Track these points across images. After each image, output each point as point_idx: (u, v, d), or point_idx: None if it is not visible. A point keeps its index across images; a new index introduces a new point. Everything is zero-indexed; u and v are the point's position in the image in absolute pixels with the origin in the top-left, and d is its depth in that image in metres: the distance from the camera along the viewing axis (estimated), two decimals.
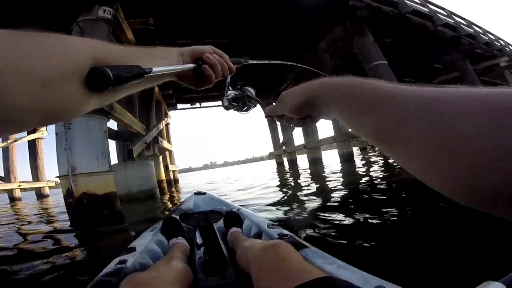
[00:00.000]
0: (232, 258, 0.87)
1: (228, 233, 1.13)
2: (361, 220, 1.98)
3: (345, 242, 1.56)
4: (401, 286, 0.51)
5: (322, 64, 8.26)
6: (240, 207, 1.47)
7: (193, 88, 0.48)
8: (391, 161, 5.98)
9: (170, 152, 11.74)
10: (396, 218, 1.94)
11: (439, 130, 0.16)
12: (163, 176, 8.17)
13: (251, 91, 0.58)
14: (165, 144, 9.63)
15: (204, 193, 1.86)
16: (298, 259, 0.56)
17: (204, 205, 1.71)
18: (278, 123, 12.67)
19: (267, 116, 0.50)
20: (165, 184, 8.12)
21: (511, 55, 11.92)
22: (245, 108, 0.58)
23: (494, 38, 11.82)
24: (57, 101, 0.22)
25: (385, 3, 6.61)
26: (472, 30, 9.93)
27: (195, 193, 1.87)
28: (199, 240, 1.05)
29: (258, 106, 0.58)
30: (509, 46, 13.32)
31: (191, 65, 0.41)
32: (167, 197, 6.01)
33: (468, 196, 0.16)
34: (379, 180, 4.05)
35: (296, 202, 3.13)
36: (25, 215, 5.46)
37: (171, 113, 12.95)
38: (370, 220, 1.94)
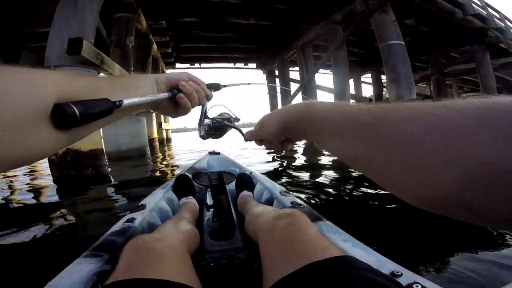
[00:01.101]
0: (241, 223, 0.83)
1: (238, 196, 1.07)
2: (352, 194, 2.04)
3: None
4: (416, 274, 0.47)
5: (333, 36, 7.77)
6: (253, 170, 1.38)
7: (170, 117, 0.47)
8: None
9: None
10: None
11: (404, 149, 0.19)
12: (155, 134, 7.91)
13: (228, 117, 0.57)
14: None
15: (218, 153, 1.79)
16: (315, 233, 0.49)
17: (218, 165, 1.66)
18: (278, 91, 12.40)
19: (246, 140, 0.50)
20: (157, 143, 7.89)
21: None
22: (220, 136, 0.58)
23: None
24: (22, 144, 0.21)
25: None
26: (503, 25, 9.40)
27: (209, 153, 1.81)
28: (209, 201, 1.03)
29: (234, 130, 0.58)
30: None
31: (165, 95, 0.40)
32: (158, 156, 5.86)
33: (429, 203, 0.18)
34: None
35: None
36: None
37: (169, 71, 12.45)
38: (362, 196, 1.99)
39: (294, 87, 10.92)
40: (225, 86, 0.54)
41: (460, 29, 8.30)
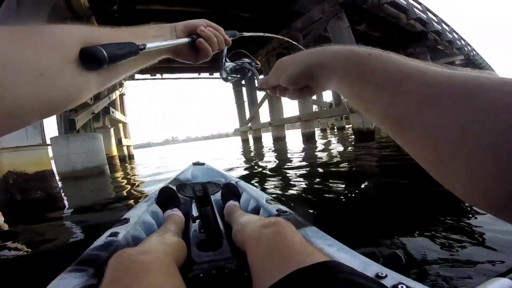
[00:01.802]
0: (228, 233, 0.83)
1: (225, 206, 1.06)
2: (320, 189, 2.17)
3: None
4: (401, 274, 0.48)
5: (294, 44, 8.13)
6: (239, 179, 1.37)
7: (192, 63, 0.47)
8: (348, 144, 6.29)
9: (125, 124, 10.80)
10: (347, 188, 2.19)
11: (487, 121, 0.13)
12: (114, 152, 7.53)
13: (248, 60, 0.57)
14: (118, 115, 8.78)
15: (203, 164, 1.76)
16: (300, 240, 0.51)
17: (202, 175, 1.63)
18: (245, 99, 12.46)
19: (260, 88, 0.45)
20: (117, 160, 7.50)
21: (467, 54, 13.06)
22: (243, 78, 0.58)
23: (457, 37, 12.76)
24: (56, 88, 0.23)
25: None
26: (440, 27, 10.47)
27: (193, 163, 1.77)
28: (195, 212, 1.02)
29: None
30: (468, 46, 14.58)
31: (185, 40, 0.41)
32: (119, 174, 5.47)
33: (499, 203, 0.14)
34: (336, 157, 4.29)
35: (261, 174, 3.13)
36: None
37: (128, 83, 11.75)
38: (327, 190, 2.13)
39: (260, 95, 11.10)
40: (241, 34, 0.56)
41: (405, 33, 9.18)
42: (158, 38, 0.37)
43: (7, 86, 0.19)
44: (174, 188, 1.20)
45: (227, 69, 0.55)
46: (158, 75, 12.17)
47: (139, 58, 0.30)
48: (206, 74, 13.18)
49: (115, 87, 9.16)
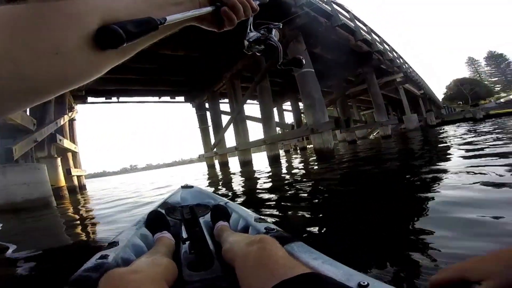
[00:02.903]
0: (219, 253, 0.86)
1: (215, 227, 1.10)
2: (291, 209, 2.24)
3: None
4: (384, 282, 0.51)
5: (257, 66, 8.41)
6: (228, 201, 1.42)
7: (215, 30, 0.45)
8: (311, 163, 6.56)
9: (75, 153, 9.75)
10: (315, 205, 2.28)
11: None
12: (62, 182, 6.91)
13: (274, 34, 0.54)
14: (66, 143, 7.93)
15: (192, 186, 1.79)
16: (283, 254, 0.56)
17: (191, 198, 1.65)
18: (210, 124, 12.26)
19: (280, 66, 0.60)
20: (65, 191, 6.87)
21: (405, 71, 14.75)
22: (265, 51, 0.55)
23: (396, 56, 14.24)
24: (72, 66, 0.24)
25: (321, 14, 7.15)
26: (382, 47, 11.41)
27: (182, 187, 1.79)
28: (184, 234, 1.04)
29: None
30: (405, 64, 16.64)
31: (208, 9, 0.40)
32: (68, 207, 4.92)
33: None
34: (299, 176, 4.41)
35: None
36: None
37: (79, 107, 10.79)
38: (297, 209, 2.22)
39: (224, 119, 11.08)
40: None
41: (353, 54, 10.04)
42: (178, 6, 0.36)
43: (23, 64, 0.20)
44: (163, 211, 1.21)
45: (251, 39, 0.52)
46: (114, 99, 11.22)
47: (159, 30, 0.30)
48: (167, 98, 12.67)
49: (64, 111, 8.35)
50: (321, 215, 1.94)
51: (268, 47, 0.54)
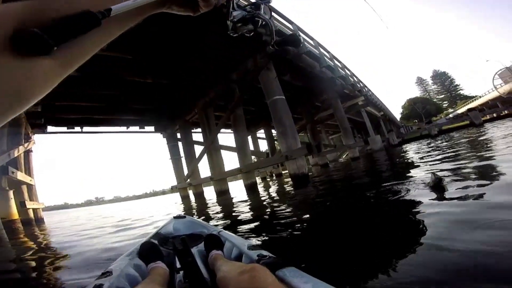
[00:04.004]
0: (213, 281, 0.89)
1: (209, 256, 1.12)
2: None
3: None
4: None
5: (231, 94, 8.53)
6: (221, 229, 1.46)
7: (190, 15, 0.39)
8: (288, 189, 6.56)
9: (30, 186, 8.80)
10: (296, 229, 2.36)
11: None
12: (15, 215, 6.72)
13: (263, 12, 0.47)
14: (20, 176, 7.20)
15: (184, 217, 1.82)
16: (273, 282, 0.61)
17: (184, 228, 1.65)
18: (182, 154, 11.88)
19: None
20: (19, 225, 6.64)
21: (365, 95, 15.81)
22: (254, 31, 0.48)
23: (356, 80, 15.22)
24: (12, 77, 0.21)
25: None
26: (343, 73, 12.01)
27: (174, 217, 1.81)
28: (178, 264, 1.04)
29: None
30: (366, 88, 17.94)
31: None
32: (22, 239, 4.80)
33: None
34: (278, 202, 4.47)
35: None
36: None
37: (37, 137, 9.88)
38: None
39: (197, 149, 10.83)
40: None
41: (319, 81, 10.49)
42: None
43: None
44: (156, 242, 1.23)
45: (235, 19, 0.46)
46: (77, 128, 10.48)
47: (109, 26, 0.26)
48: (136, 128, 12.12)
49: (19, 141, 7.62)
50: (306, 237, 2.03)
51: (258, 26, 0.48)
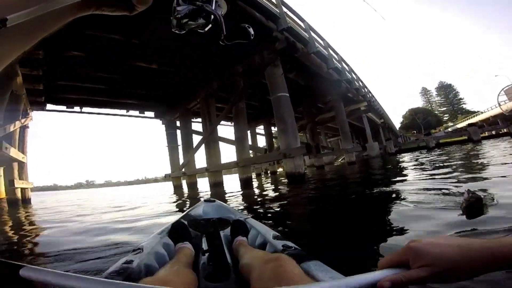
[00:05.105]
0: (235, 267, 0.91)
1: (233, 241, 1.15)
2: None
3: None
4: None
5: (234, 87, 8.48)
6: (248, 216, 1.49)
7: (127, 14, 0.35)
8: (283, 186, 6.60)
9: (22, 164, 8.69)
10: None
11: None
12: (1, 194, 6.54)
13: (216, 5, 0.44)
14: (13, 152, 7.05)
15: (214, 201, 1.86)
16: (299, 272, 0.59)
17: (213, 212, 1.70)
18: (180, 143, 11.84)
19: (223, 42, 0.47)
20: (4, 204, 6.46)
21: (369, 100, 15.49)
22: (205, 26, 0.44)
23: (362, 85, 15.01)
24: None
25: (299, 40, 7.41)
26: (350, 76, 11.85)
27: (204, 200, 1.86)
28: (204, 246, 1.13)
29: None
30: (369, 93, 17.75)
31: None
32: (4, 219, 4.54)
33: None
34: (276, 198, 4.35)
35: None
36: None
37: (35, 114, 9.78)
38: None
39: (195, 139, 10.79)
40: None
41: (325, 82, 10.37)
42: None
43: None
44: (186, 222, 1.28)
45: (179, 15, 0.41)
46: (77, 108, 10.39)
47: (13, 34, 0.22)
48: (136, 113, 12.06)
49: (16, 116, 7.51)
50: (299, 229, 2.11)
51: (210, 20, 0.44)
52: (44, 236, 2.85)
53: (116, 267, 0.77)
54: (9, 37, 0.23)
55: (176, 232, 1.19)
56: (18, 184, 7.92)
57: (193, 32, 0.45)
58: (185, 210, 1.76)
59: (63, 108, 10.10)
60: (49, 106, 9.75)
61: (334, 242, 1.62)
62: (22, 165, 8.81)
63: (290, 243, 0.97)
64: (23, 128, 9.10)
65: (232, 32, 0.48)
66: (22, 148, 8.83)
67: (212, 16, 0.43)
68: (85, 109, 10.57)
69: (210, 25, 0.44)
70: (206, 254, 0.96)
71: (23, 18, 0.22)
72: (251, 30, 0.50)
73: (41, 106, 9.45)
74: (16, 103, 7.45)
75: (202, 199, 1.92)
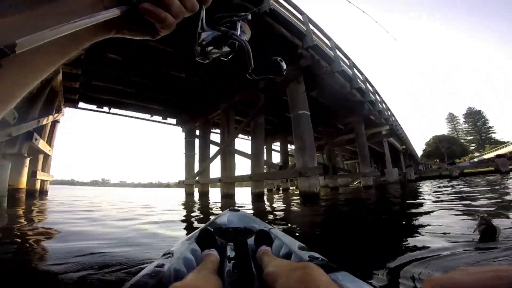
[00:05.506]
0: (259, 275, 0.93)
1: (257, 250, 1.16)
2: None
3: None
4: None
5: (255, 102, 8.59)
6: (272, 227, 1.50)
7: (150, 37, 0.32)
8: (296, 204, 6.43)
9: (47, 156, 9.15)
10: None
11: None
12: (23, 184, 6.46)
13: (241, 30, 0.40)
14: (41, 144, 7.46)
15: (238, 210, 1.90)
16: (328, 281, 0.57)
17: (237, 221, 1.73)
18: (197, 152, 12.02)
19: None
20: (23, 194, 6.41)
21: (391, 124, 14.75)
22: (230, 54, 0.41)
23: (385, 108, 14.31)
24: None
25: (324, 58, 7.38)
26: (373, 98, 11.36)
27: (229, 209, 1.90)
28: (230, 253, 1.17)
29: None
30: (392, 117, 16.65)
31: (113, 11, 0.26)
32: (20, 210, 4.61)
33: None
34: (282, 214, 4.32)
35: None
36: None
37: (67, 110, 10.43)
38: None
39: (212, 149, 10.96)
40: None
41: (347, 102, 10.03)
42: (66, 17, 0.23)
43: None
44: (212, 230, 1.32)
45: (204, 42, 0.38)
46: (106, 108, 10.98)
47: (25, 62, 0.20)
48: (159, 118, 12.52)
49: (51, 111, 8.01)
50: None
51: (235, 48, 0.41)
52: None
53: (149, 270, 0.81)
54: (21, 65, 0.21)
55: (203, 239, 1.23)
56: (40, 175, 8.33)
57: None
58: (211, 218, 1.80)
59: (93, 107, 10.74)
60: (81, 104, 10.40)
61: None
62: (47, 158, 9.30)
63: (316, 254, 0.96)
64: (54, 123, 9.69)
65: (262, 65, 0.44)
66: (49, 142, 9.36)
67: (237, 43, 0.40)
68: (113, 110, 11.19)
69: (233, 54, 0.42)
70: (232, 262, 0.99)
71: (35, 43, 0.20)
72: (284, 65, 0.46)
73: (74, 104, 10.07)
74: (53, 98, 7.99)
75: (228, 208, 1.95)
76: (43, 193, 9.03)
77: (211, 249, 1.15)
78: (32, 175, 7.70)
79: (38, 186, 8.45)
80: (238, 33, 0.40)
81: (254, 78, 0.45)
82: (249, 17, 0.43)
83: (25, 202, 6.04)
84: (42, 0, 0.24)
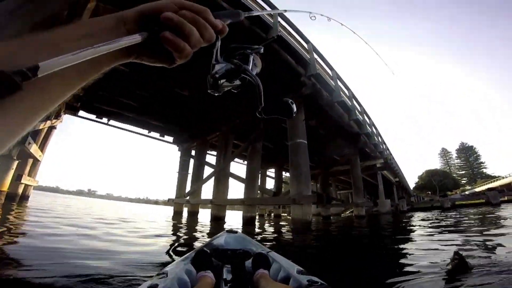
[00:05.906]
0: None
1: (255, 273, 1.14)
2: None
3: None
4: None
5: (254, 128, 8.65)
6: (270, 250, 1.48)
7: (166, 66, 0.33)
8: (287, 232, 6.30)
9: (36, 161, 8.93)
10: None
11: None
12: (4, 187, 6.46)
13: (253, 64, 0.40)
14: (33, 149, 7.32)
15: (236, 232, 1.88)
16: None
17: (235, 243, 1.70)
18: (190, 171, 11.85)
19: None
20: (2, 197, 6.39)
21: (386, 158, 14.88)
22: (240, 88, 0.41)
23: (381, 141, 14.53)
24: None
25: (325, 87, 7.52)
26: (370, 130, 11.42)
27: (227, 231, 1.88)
28: (226, 276, 1.15)
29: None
30: (387, 150, 16.88)
31: (135, 37, 0.26)
32: None
33: None
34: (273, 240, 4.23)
35: None
36: None
37: (66, 117, 10.37)
38: None
39: (206, 170, 10.85)
40: (249, 14, 0.40)
41: (344, 133, 10.01)
42: (86, 40, 0.24)
43: None
44: (208, 251, 1.29)
45: (217, 74, 0.37)
46: (105, 119, 10.84)
47: (46, 85, 0.20)
48: (156, 135, 12.47)
49: (49, 116, 7.96)
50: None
51: (245, 82, 0.40)
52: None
53: None
54: (40, 89, 0.20)
55: (199, 260, 1.22)
56: (25, 180, 8.06)
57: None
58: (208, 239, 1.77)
59: (93, 117, 10.59)
60: (80, 113, 10.28)
61: None
62: (35, 163, 9.06)
63: (315, 278, 0.95)
64: (51, 128, 9.60)
65: (272, 105, 0.43)
66: (42, 147, 9.18)
67: (248, 78, 0.40)
68: (112, 122, 11.13)
69: (243, 87, 0.42)
70: (228, 285, 0.98)
71: (59, 66, 0.20)
72: (294, 107, 0.45)
73: (74, 111, 9.96)
74: None
75: (224, 230, 1.93)
76: (23, 197, 8.65)
77: (206, 271, 1.13)
78: (17, 178, 7.52)
79: (20, 190, 8.17)
80: (250, 67, 0.40)
81: (263, 117, 0.44)
82: (262, 50, 0.43)
83: (3, 206, 5.83)
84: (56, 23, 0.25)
